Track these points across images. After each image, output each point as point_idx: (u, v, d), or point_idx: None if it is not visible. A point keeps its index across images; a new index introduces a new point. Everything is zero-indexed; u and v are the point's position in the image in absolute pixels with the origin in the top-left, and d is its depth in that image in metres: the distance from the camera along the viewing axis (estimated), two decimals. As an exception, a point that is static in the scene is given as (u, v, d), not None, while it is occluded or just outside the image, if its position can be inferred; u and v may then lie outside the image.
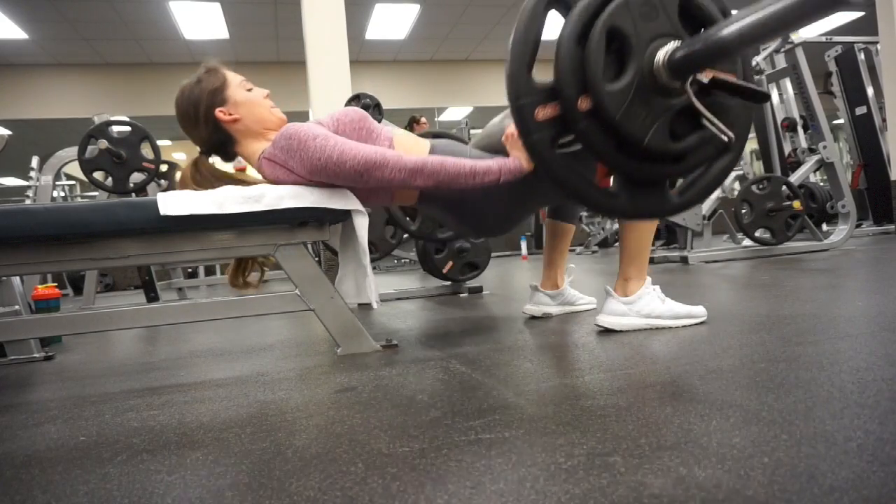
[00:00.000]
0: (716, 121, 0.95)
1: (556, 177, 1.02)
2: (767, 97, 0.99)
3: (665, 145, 0.97)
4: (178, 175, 4.59)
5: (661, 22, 0.95)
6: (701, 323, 1.53)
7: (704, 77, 0.93)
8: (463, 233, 1.64)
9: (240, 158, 1.57)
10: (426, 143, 1.55)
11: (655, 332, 1.48)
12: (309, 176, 1.40)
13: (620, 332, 1.50)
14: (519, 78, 0.97)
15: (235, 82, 1.51)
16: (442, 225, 2.64)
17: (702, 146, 1.01)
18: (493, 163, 1.34)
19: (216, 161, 1.58)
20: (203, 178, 1.52)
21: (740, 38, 0.82)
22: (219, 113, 1.47)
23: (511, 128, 1.13)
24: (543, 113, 0.98)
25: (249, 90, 1.52)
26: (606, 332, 1.53)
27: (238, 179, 1.53)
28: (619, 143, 0.97)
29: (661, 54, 0.94)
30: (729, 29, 0.84)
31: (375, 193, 1.52)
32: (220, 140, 1.51)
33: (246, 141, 1.51)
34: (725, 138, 0.95)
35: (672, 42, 0.94)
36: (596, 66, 0.93)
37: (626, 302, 1.52)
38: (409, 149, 1.52)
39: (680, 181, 1.10)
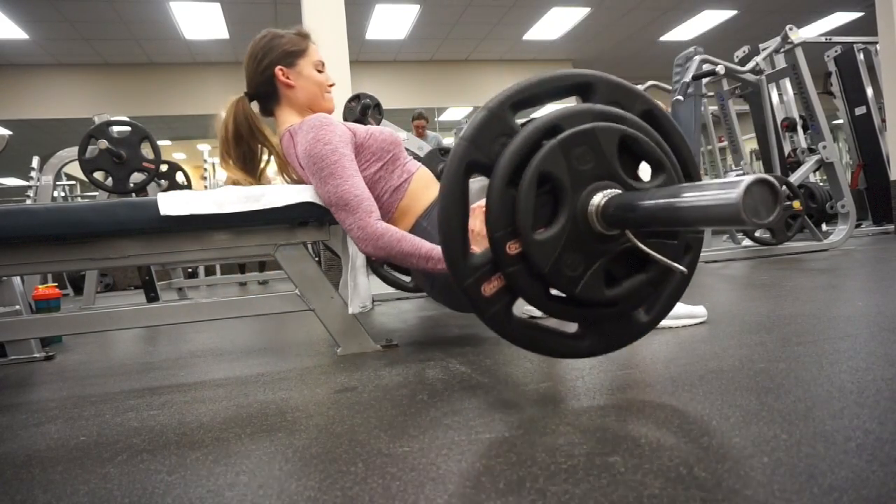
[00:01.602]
0: (665, 260, 0.90)
1: (522, 345, 0.98)
2: (684, 280, 0.96)
3: (598, 294, 0.90)
4: (184, 168, 4.57)
5: (598, 165, 0.90)
6: (701, 323, 1.53)
7: (634, 239, 0.88)
8: (433, 297, 1.58)
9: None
10: (436, 189, 1.54)
11: (655, 332, 1.48)
12: (303, 165, 1.43)
13: None
14: (457, 262, 0.92)
15: (313, 58, 1.55)
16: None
17: (648, 284, 0.95)
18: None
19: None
20: (238, 121, 1.53)
21: (664, 214, 0.77)
22: (278, 71, 1.50)
23: (473, 222, 1.08)
24: (490, 288, 0.93)
25: (320, 71, 1.55)
26: (606, 332, 1.53)
27: (265, 140, 1.56)
28: (549, 291, 0.93)
29: (596, 200, 0.88)
30: (656, 202, 0.79)
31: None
32: (266, 91, 1.54)
33: (287, 108, 1.54)
34: (681, 272, 0.91)
35: (609, 189, 0.89)
36: (525, 213, 0.88)
37: None
38: (424, 188, 1.51)
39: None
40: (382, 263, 2.62)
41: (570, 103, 0.98)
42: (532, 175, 0.88)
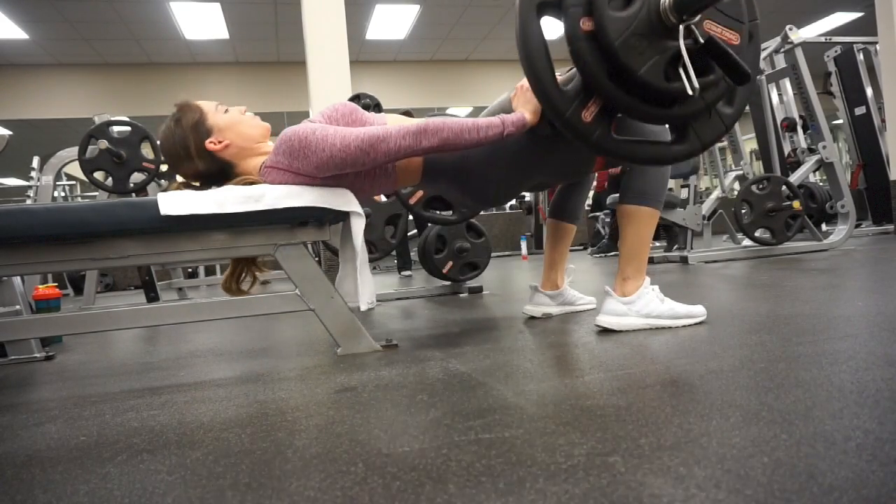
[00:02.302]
0: (691, 71, 0.95)
1: (630, 158, 1.05)
2: (747, 78, 0.97)
3: (657, 81, 0.96)
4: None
5: None
6: (701, 323, 1.53)
7: (702, 32, 0.93)
8: (468, 205, 1.66)
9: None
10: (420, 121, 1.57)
11: (655, 332, 1.48)
12: (317, 172, 1.40)
13: (620, 332, 1.50)
14: (554, 97, 0.97)
15: (212, 109, 1.50)
16: (447, 206, 2.58)
17: (691, 98, 0.99)
18: (495, 118, 1.36)
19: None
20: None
21: None
22: (209, 145, 1.46)
23: (523, 81, 1.13)
24: (589, 113, 0.99)
25: (226, 111, 1.51)
26: (606, 332, 1.53)
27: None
28: (613, 71, 0.97)
29: None
30: None
31: (380, 179, 1.52)
32: (218, 169, 1.50)
33: (243, 161, 1.51)
34: (690, 90, 0.95)
35: None
36: None
37: (626, 302, 1.52)
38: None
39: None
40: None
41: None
42: None
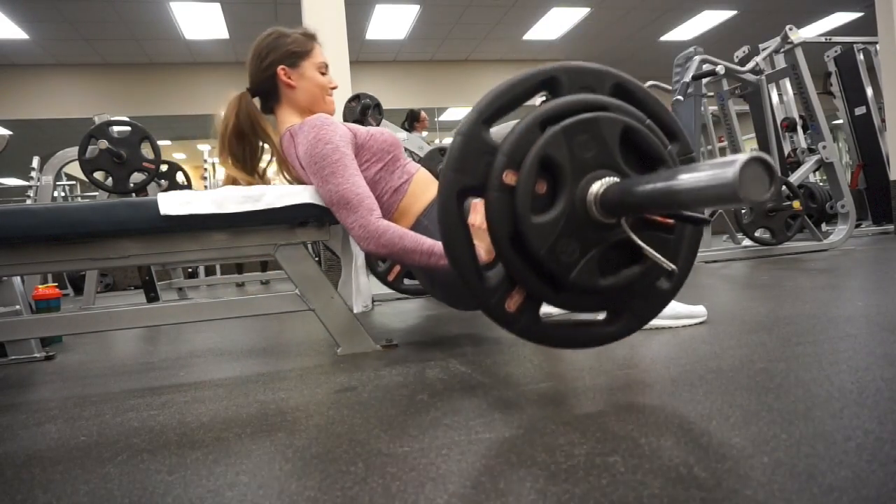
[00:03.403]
0: (655, 254, 0.91)
1: (559, 345, 1.01)
2: (702, 223, 0.95)
3: (592, 281, 0.91)
4: (184, 168, 4.56)
5: (600, 154, 0.90)
6: (701, 323, 1.53)
7: (629, 230, 0.89)
8: (433, 294, 1.59)
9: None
10: (435, 187, 1.55)
11: (655, 331, 1.48)
12: (304, 165, 1.43)
13: None
14: (475, 287, 0.92)
15: (317, 59, 1.55)
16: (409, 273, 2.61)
17: (638, 279, 0.96)
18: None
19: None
20: (240, 119, 1.53)
21: (661, 197, 0.77)
22: (281, 70, 1.50)
23: (474, 217, 1.09)
24: (513, 303, 0.95)
25: (323, 74, 1.55)
26: (606, 332, 1.53)
27: (268, 136, 1.56)
28: (543, 274, 0.93)
29: (595, 188, 0.89)
30: (653, 186, 0.79)
31: (389, 196, 1.51)
32: (267, 89, 1.54)
33: (288, 108, 1.54)
34: (668, 269, 0.91)
35: (608, 177, 0.90)
36: (524, 196, 0.89)
37: None
38: (423, 189, 1.52)
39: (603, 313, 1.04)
40: (383, 263, 2.64)
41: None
42: (534, 159, 0.89)
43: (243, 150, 1.56)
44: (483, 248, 1.11)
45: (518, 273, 0.93)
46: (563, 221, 0.89)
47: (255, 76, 1.54)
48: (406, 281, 2.72)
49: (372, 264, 2.62)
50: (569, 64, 0.97)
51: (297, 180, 1.57)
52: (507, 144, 0.91)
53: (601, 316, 1.01)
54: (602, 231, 0.91)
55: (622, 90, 0.98)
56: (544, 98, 0.97)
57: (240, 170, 1.55)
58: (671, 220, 0.94)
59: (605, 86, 0.97)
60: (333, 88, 1.58)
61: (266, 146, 1.59)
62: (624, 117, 0.92)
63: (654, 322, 1.50)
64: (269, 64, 1.51)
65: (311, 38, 1.56)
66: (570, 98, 0.93)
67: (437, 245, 1.30)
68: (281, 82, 1.52)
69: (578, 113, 0.91)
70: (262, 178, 1.59)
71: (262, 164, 1.61)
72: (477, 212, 1.12)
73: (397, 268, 2.64)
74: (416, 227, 1.49)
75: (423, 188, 1.52)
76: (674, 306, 1.52)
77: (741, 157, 0.63)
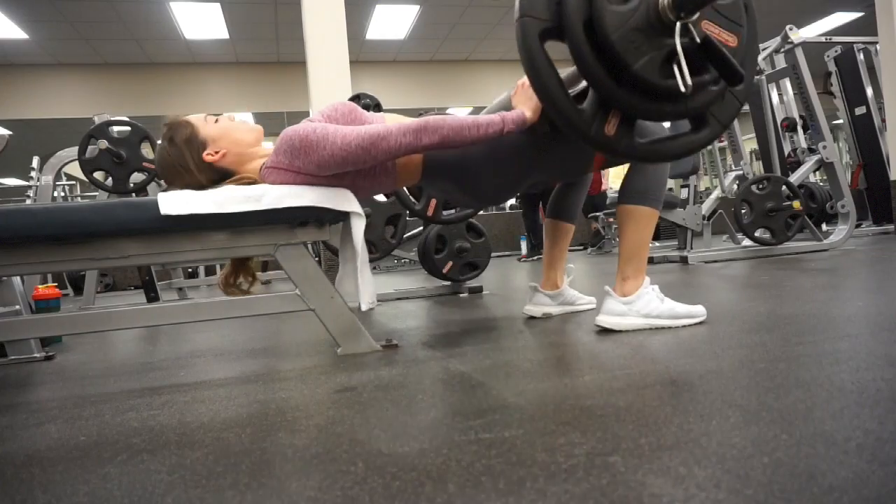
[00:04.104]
0: (685, 68, 0.96)
1: (657, 159, 1.08)
2: (741, 79, 0.99)
3: (652, 76, 0.97)
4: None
5: None
6: (701, 323, 1.53)
7: (700, 32, 0.94)
8: (467, 204, 1.66)
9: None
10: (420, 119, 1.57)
11: (655, 332, 1.48)
12: (318, 171, 1.40)
13: (620, 332, 1.50)
14: (574, 119, 0.99)
15: (201, 122, 1.51)
16: (446, 204, 2.67)
17: (685, 97, 1.01)
18: (495, 115, 1.37)
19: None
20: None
21: None
22: (207, 157, 1.48)
23: (523, 79, 1.14)
24: (611, 126, 1.01)
25: (216, 121, 1.52)
26: (606, 332, 1.53)
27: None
28: (609, 65, 0.98)
29: None
30: None
31: (380, 178, 1.52)
32: (220, 178, 1.52)
33: (242, 166, 1.52)
34: (682, 87, 0.96)
35: None
36: (608, 6, 0.94)
37: (626, 302, 1.52)
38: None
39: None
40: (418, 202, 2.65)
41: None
42: None
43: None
44: (529, 107, 1.20)
45: (613, 93, 0.98)
46: (636, 14, 0.95)
47: (200, 181, 1.50)
48: (444, 213, 2.74)
49: (409, 203, 2.63)
50: None
51: None
52: None
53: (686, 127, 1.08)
54: (669, 34, 0.97)
55: None
56: None
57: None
58: (734, 40, 0.98)
59: None
60: (231, 118, 1.55)
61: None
62: None
63: (655, 322, 1.50)
64: (197, 164, 1.48)
65: (175, 122, 1.51)
66: None
67: (480, 118, 1.36)
68: (216, 164, 1.49)
69: None
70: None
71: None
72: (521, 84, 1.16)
73: (434, 201, 2.66)
74: (427, 159, 1.55)
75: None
76: (673, 306, 1.53)
77: None
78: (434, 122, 1.36)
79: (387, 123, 1.39)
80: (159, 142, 1.53)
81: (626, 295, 1.53)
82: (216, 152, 1.49)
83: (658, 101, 1.01)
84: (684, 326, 1.51)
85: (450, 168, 1.57)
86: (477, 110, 9.98)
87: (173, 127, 1.51)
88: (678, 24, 0.94)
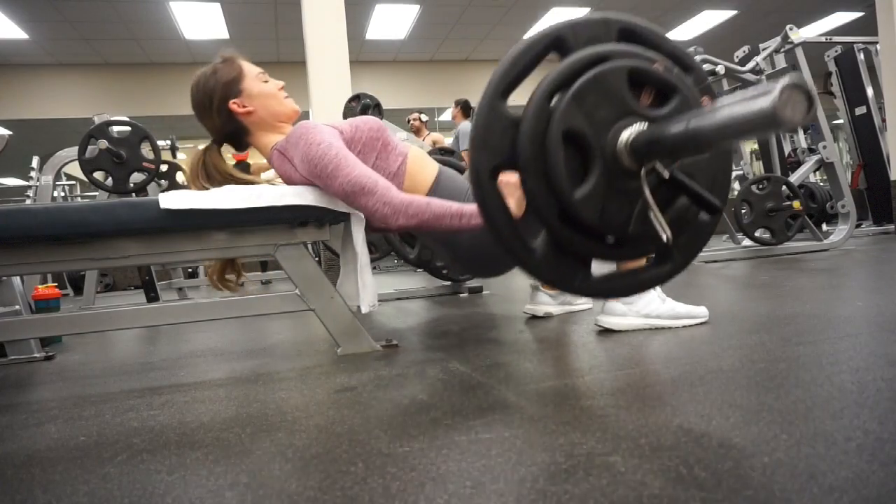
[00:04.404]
0: (660, 217, 0.91)
1: (615, 295, 1.04)
2: (719, 211, 0.94)
3: (647, 228, 0.92)
4: (183, 169, 4.59)
5: (614, 105, 0.90)
6: (702, 323, 1.53)
7: (664, 170, 0.90)
8: (457, 269, 1.59)
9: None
10: (435, 168, 1.56)
11: (655, 331, 1.48)
12: (306, 174, 1.41)
13: (620, 331, 1.50)
14: (524, 258, 0.95)
15: (252, 74, 1.51)
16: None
17: (682, 216, 0.96)
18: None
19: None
20: (208, 171, 1.51)
21: (698, 134, 0.76)
22: (232, 105, 1.47)
23: (510, 175, 1.09)
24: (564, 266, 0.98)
25: (265, 82, 1.52)
26: (606, 332, 1.53)
27: (239, 179, 1.52)
28: (584, 231, 0.94)
29: (624, 137, 0.89)
30: (690, 123, 0.78)
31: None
32: (233, 130, 1.51)
33: (259, 133, 1.52)
34: (664, 237, 0.91)
35: (636, 124, 0.89)
36: (560, 176, 0.89)
37: (626, 302, 1.52)
38: (421, 168, 1.53)
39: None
40: (412, 249, 2.63)
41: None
42: (556, 136, 0.89)
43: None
44: (514, 202, 1.11)
45: (572, 242, 0.95)
46: (603, 185, 0.90)
47: (214, 124, 1.50)
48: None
49: (403, 252, 2.62)
50: (572, 20, 0.97)
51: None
52: (526, 119, 0.92)
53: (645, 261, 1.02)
54: (638, 179, 0.91)
55: (628, 33, 0.98)
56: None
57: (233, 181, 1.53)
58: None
59: (612, 32, 0.97)
60: (281, 88, 1.54)
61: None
62: (627, 61, 0.92)
63: (655, 322, 1.50)
64: (219, 105, 1.47)
65: (231, 59, 1.51)
66: (571, 59, 0.93)
67: (465, 206, 1.30)
68: (238, 115, 1.48)
69: (583, 72, 0.91)
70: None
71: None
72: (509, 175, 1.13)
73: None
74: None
75: (420, 167, 1.53)
76: (674, 306, 1.52)
77: (779, 83, 0.63)
78: (417, 205, 1.31)
79: (406, 163, 1.44)
80: (204, 67, 1.52)
81: None
82: (244, 106, 1.48)
83: (621, 245, 0.97)
84: (685, 327, 1.51)
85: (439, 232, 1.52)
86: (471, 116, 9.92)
87: (226, 62, 1.50)
88: (643, 170, 0.89)
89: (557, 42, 0.95)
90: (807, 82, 0.63)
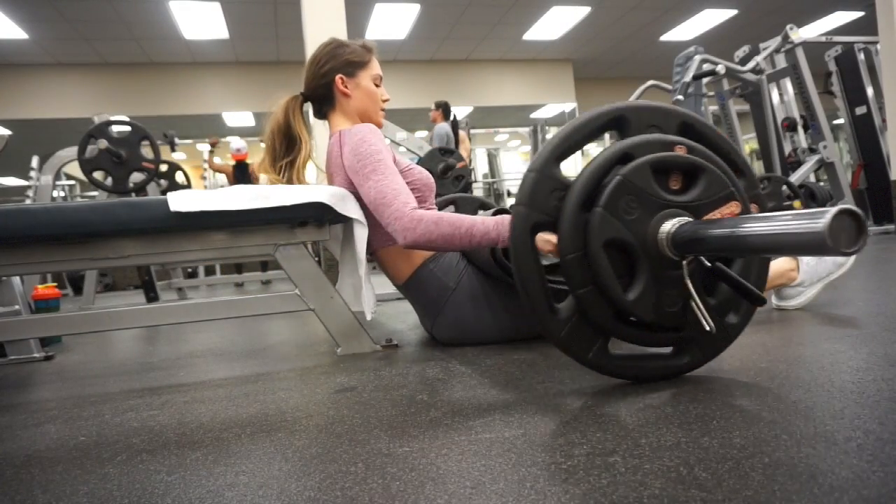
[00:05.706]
0: (702, 307, 0.93)
1: (627, 377, 1.03)
2: (762, 301, 0.94)
3: (675, 322, 0.96)
4: (183, 168, 4.54)
5: (647, 203, 0.93)
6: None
7: (706, 260, 0.92)
8: (441, 336, 1.55)
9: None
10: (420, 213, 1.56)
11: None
12: (347, 166, 1.45)
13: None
14: (546, 319, 0.97)
15: (372, 71, 1.60)
16: None
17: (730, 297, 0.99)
18: (491, 222, 1.24)
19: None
20: (287, 115, 1.58)
21: (758, 244, 0.77)
22: (338, 79, 1.56)
23: (549, 236, 1.02)
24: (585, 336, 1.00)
25: (378, 85, 1.61)
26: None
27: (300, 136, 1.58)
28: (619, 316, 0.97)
29: (665, 228, 0.92)
30: (735, 229, 0.79)
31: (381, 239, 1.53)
32: (322, 94, 1.59)
33: (341, 114, 1.59)
34: (707, 328, 0.93)
35: (671, 218, 0.93)
36: (609, 279, 0.92)
37: (794, 284, 1.63)
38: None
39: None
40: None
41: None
42: (597, 247, 0.93)
43: (284, 149, 1.59)
44: (550, 246, 1.06)
45: (610, 327, 0.97)
46: (651, 281, 0.93)
47: (312, 82, 1.58)
48: None
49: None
50: (637, 103, 1.01)
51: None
52: (578, 183, 0.96)
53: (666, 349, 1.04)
54: (676, 267, 0.94)
55: (688, 128, 1.02)
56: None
57: (272, 171, 1.58)
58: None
59: (672, 124, 1.01)
60: (385, 101, 1.62)
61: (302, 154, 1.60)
62: (649, 157, 0.95)
63: (827, 279, 1.64)
64: (328, 71, 1.55)
65: (369, 50, 1.60)
66: (592, 167, 0.97)
67: (476, 225, 1.25)
68: (337, 90, 1.56)
69: (606, 175, 0.96)
70: (294, 181, 1.59)
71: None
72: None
73: None
74: (421, 269, 1.51)
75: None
76: (815, 265, 1.65)
77: (832, 210, 0.65)
78: (429, 218, 1.27)
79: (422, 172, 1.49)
80: (339, 39, 1.61)
81: (791, 285, 1.64)
82: (346, 89, 1.56)
83: (650, 329, 0.98)
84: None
85: (425, 291, 1.53)
86: (477, 110, 9.90)
87: (363, 48, 1.59)
88: (684, 263, 0.92)
89: (620, 122, 0.99)
90: (858, 210, 0.65)
